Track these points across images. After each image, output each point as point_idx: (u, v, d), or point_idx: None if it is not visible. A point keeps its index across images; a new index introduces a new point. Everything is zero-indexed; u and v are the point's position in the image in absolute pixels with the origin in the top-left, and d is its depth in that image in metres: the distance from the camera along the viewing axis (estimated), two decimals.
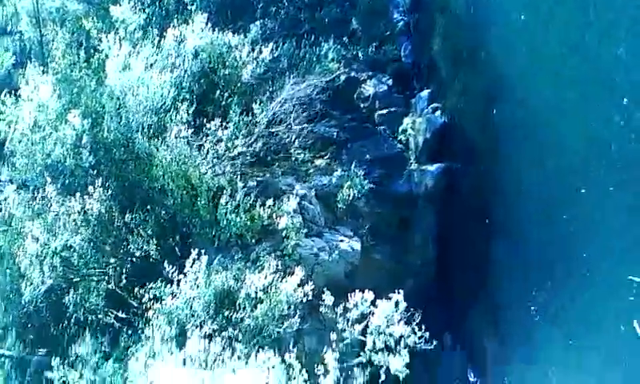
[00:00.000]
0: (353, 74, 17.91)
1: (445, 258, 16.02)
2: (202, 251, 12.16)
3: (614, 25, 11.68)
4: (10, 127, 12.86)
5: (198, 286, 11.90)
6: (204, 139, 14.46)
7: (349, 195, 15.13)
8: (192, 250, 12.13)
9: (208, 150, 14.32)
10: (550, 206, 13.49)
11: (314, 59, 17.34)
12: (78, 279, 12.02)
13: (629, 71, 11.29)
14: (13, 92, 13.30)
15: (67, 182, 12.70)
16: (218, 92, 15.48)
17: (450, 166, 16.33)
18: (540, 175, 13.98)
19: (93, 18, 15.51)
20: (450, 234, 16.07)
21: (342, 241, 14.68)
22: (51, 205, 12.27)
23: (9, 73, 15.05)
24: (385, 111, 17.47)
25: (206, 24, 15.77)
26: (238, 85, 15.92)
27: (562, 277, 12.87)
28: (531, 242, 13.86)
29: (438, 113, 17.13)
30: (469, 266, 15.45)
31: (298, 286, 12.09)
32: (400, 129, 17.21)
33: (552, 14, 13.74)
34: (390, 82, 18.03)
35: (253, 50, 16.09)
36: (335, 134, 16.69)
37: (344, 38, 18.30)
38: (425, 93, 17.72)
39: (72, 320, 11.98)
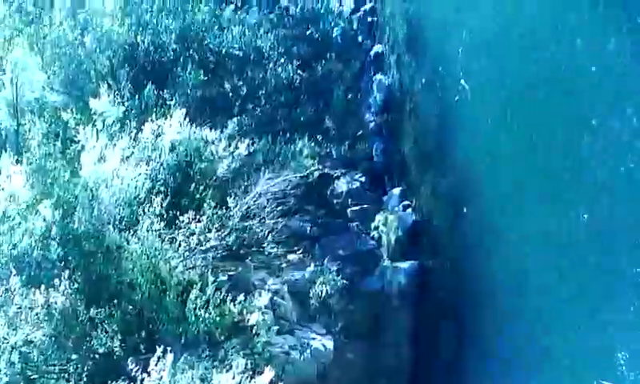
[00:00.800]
0: (326, 170, 18.24)
1: (419, 358, 15.69)
2: (168, 349, 11.63)
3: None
4: None
5: None
6: (176, 232, 14.26)
7: (322, 291, 14.93)
8: (157, 346, 11.62)
9: (180, 243, 14.10)
10: (520, 303, 13.48)
11: (289, 155, 17.67)
12: (37, 376, 11.35)
13: (596, 167, 11.59)
14: None
15: (32, 274, 12.23)
16: (193, 185, 15.43)
17: (422, 264, 16.36)
18: (508, 273, 14.09)
19: (72, 110, 15.61)
20: (423, 333, 15.85)
21: (314, 339, 14.31)
22: (14, 297, 11.75)
23: None
24: (357, 208, 17.67)
25: (184, 119, 15.93)
26: (214, 178, 15.96)
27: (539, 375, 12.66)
28: (505, 341, 13.70)
29: (409, 210, 17.39)
30: (442, 368, 15.13)
31: None
32: (372, 225, 17.31)
33: (519, 119, 14.27)
34: (363, 179, 18.38)
35: (229, 144, 16.30)
36: (309, 228, 16.76)
37: (318, 136, 18.75)
38: (396, 191, 18.08)
39: None
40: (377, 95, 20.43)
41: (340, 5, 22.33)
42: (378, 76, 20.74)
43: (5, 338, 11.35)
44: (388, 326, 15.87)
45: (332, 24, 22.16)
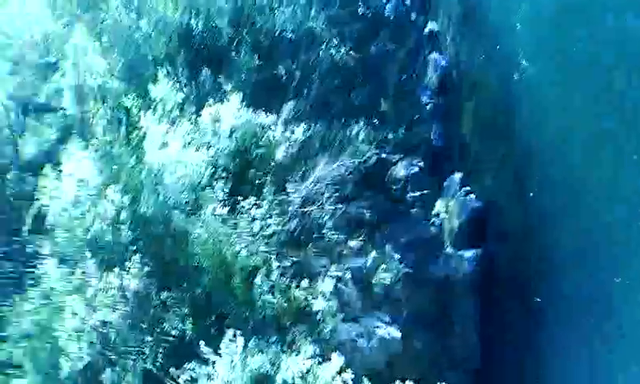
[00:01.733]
0: (384, 155, 18.58)
1: (488, 346, 16.13)
2: (238, 332, 12.48)
3: None
4: (51, 202, 13.46)
5: (233, 368, 12.15)
6: (239, 217, 15.01)
7: (384, 279, 15.48)
8: (227, 330, 12.44)
9: (243, 229, 14.85)
10: (593, 284, 13.82)
11: (345, 140, 18.12)
12: (116, 357, 12.30)
13: None
14: (55, 166, 13.96)
15: (106, 257, 13.16)
16: (253, 170, 16.16)
17: (487, 250, 16.73)
18: (581, 253, 14.43)
19: (133, 96, 16.40)
20: (491, 320, 16.26)
21: (379, 327, 14.89)
22: (90, 280, 12.70)
23: (51, 148, 15.81)
24: (417, 194, 18.08)
25: (241, 103, 16.60)
26: (272, 164, 16.62)
27: (614, 352, 13.02)
28: (578, 323, 14.06)
29: (471, 196, 17.66)
30: (513, 355, 15.54)
31: (337, 373, 12.29)
32: (433, 212, 17.72)
33: (587, 84, 14.48)
34: (422, 164, 18.66)
35: (286, 129, 16.90)
36: (368, 215, 17.17)
37: (374, 120, 19.12)
38: (457, 176, 18.32)
39: None
40: (432, 76, 20.46)
41: None
42: (433, 55, 20.69)
43: (84, 319, 12.32)
44: (454, 314, 16.35)
45: (384, 2, 22.28)
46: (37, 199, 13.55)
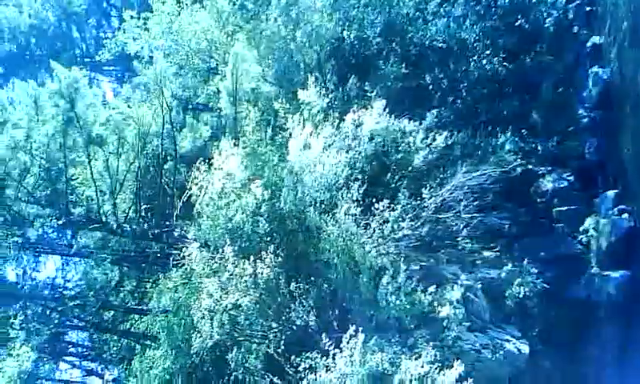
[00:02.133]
0: (530, 166, 17.56)
1: (626, 377, 14.43)
2: (360, 328, 12.38)
3: None
4: (200, 192, 14.46)
5: (352, 363, 12.05)
6: (371, 218, 14.93)
7: (518, 293, 14.54)
8: (350, 325, 12.39)
9: (374, 229, 14.74)
10: None
11: (490, 149, 17.37)
12: (242, 338, 12.83)
13: None
14: (206, 161, 14.99)
15: (243, 245, 13.81)
16: (389, 174, 16.07)
17: (637, 275, 14.99)
18: None
19: (282, 100, 17.14)
20: (634, 353, 14.50)
21: (507, 341, 14.01)
22: (227, 265, 13.39)
23: (205, 144, 17.11)
24: (564, 208, 16.82)
25: (384, 110, 16.57)
26: (409, 169, 16.37)
27: None
28: None
29: (625, 215, 16.06)
30: None
31: (457, 381, 11.71)
32: (581, 229, 16.35)
33: None
34: (572, 178, 17.37)
35: (427, 136, 16.58)
36: (507, 226, 16.34)
37: (523, 131, 18.10)
38: (611, 193, 16.79)
39: (231, 378, 12.72)
40: (592, 89, 19.02)
41: None
42: (595, 68, 19.26)
43: (218, 301, 13.02)
44: (592, 338, 14.87)
45: (544, 14, 21.11)
46: (188, 189, 14.61)
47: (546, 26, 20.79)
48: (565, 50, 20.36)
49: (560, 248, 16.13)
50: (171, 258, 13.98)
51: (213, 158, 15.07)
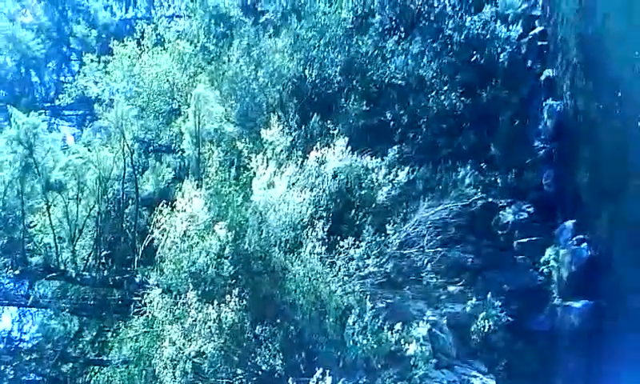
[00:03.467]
0: (490, 199, 17.37)
1: None
2: (327, 371, 11.83)
3: None
4: (163, 235, 13.79)
5: None
6: (336, 257, 14.50)
7: (484, 327, 14.18)
8: (317, 368, 11.84)
9: (340, 268, 14.30)
10: None
11: (450, 183, 17.19)
12: None
13: None
14: (169, 203, 14.36)
15: (207, 289, 13.17)
16: (353, 211, 15.70)
17: (598, 304, 14.79)
18: None
19: (245, 140, 16.67)
20: (599, 380, 14.23)
21: (474, 376, 13.59)
22: (190, 311, 12.71)
23: (167, 186, 16.48)
24: (525, 240, 16.62)
25: (347, 147, 16.25)
26: (373, 205, 16.05)
27: None
28: None
29: (583, 245, 15.89)
30: None
31: None
32: (542, 260, 16.15)
33: None
34: (531, 210, 17.23)
35: (389, 172, 16.32)
36: (470, 260, 16.08)
37: (482, 164, 18.02)
38: (569, 223, 16.63)
39: None
40: (547, 121, 19.04)
41: (507, 30, 21.33)
42: (549, 101, 19.33)
43: (181, 349, 12.29)
44: (557, 369, 14.56)
45: (499, 50, 21.27)
46: (150, 233, 13.94)
47: (501, 60, 20.91)
48: (520, 83, 20.47)
49: (522, 280, 15.85)
50: (132, 306, 13.23)
51: (176, 200, 14.42)
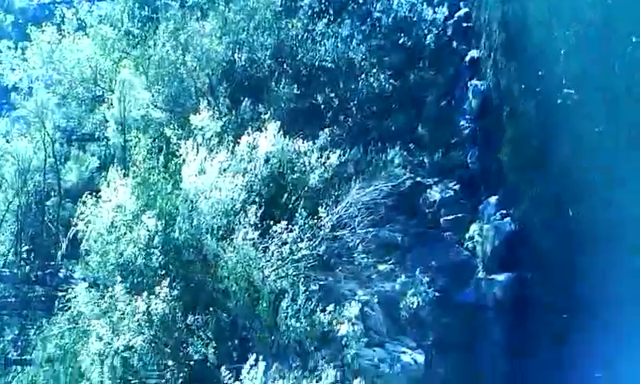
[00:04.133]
0: (418, 179, 17.56)
1: (517, 375, 14.57)
2: (260, 357, 11.62)
3: None
4: (88, 227, 13.11)
5: None
6: (270, 241, 14.23)
7: (412, 303, 14.34)
8: (250, 355, 11.60)
9: (273, 253, 14.03)
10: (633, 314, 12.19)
11: (380, 165, 17.22)
12: (136, 381, 11.66)
13: None
14: (94, 194, 13.66)
15: (136, 281, 12.64)
16: (286, 195, 15.41)
17: (521, 276, 15.22)
18: (617, 287, 12.76)
19: (174, 126, 16.07)
20: (522, 348, 14.69)
21: (404, 352, 13.73)
22: (118, 304, 12.17)
23: (92, 175, 15.70)
24: (451, 217, 16.88)
25: (278, 131, 15.94)
26: (306, 189, 15.82)
27: None
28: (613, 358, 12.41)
29: (506, 220, 16.24)
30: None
31: None
32: (467, 236, 16.47)
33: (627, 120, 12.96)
34: (457, 187, 17.51)
35: (321, 155, 16.10)
36: (399, 239, 16.22)
37: (410, 145, 18.16)
38: (493, 199, 16.95)
39: None
40: (472, 101, 19.34)
41: (433, 12, 21.48)
42: (474, 81, 19.63)
43: (109, 343, 11.76)
44: (483, 340, 14.95)
45: (425, 31, 21.38)
46: (74, 225, 13.22)
47: (427, 42, 21.08)
48: (445, 64, 20.72)
49: (449, 256, 16.12)
50: (56, 302, 12.55)
51: (101, 190, 13.72)
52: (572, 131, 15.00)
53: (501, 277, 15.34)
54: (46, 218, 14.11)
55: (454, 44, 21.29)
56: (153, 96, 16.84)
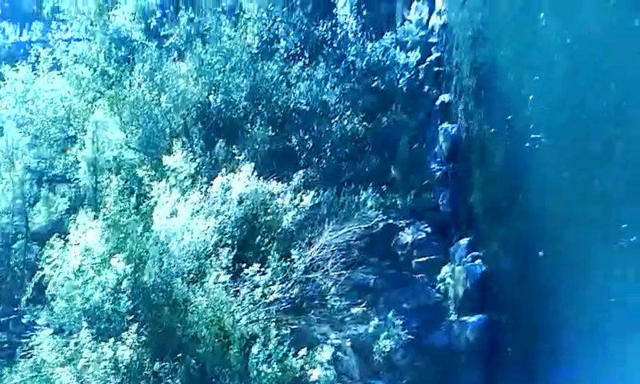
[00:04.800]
0: (391, 221, 17.51)
1: None
2: None
3: None
4: (54, 271, 12.64)
5: None
6: (241, 285, 13.91)
7: (386, 346, 14.08)
8: None
9: (244, 296, 13.71)
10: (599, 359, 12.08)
11: (354, 207, 17.07)
12: None
13: None
14: (62, 236, 13.23)
15: (103, 327, 12.16)
16: (259, 238, 15.17)
17: (492, 318, 15.13)
18: (586, 329, 12.69)
19: (146, 167, 15.79)
20: None
21: None
22: (83, 351, 11.66)
23: (61, 218, 15.25)
24: (423, 259, 16.85)
25: (252, 173, 15.75)
26: (279, 231, 15.61)
27: None
28: None
29: (478, 262, 16.23)
30: None
31: None
32: (439, 277, 16.40)
33: (596, 166, 13.04)
34: (429, 229, 17.52)
35: (295, 197, 15.95)
36: (372, 281, 16.10)
37: (383, 187, 18.06)
38: (464, 241, 16.97)
39: None
40: (443, 144, 19.51)
41: (406, 56, 21.79)
42: (445, 125, 19.82)
43: None
44: (457, 382, 14.71)
45: (398, 75, 21.64)
46: (40, 269, 12.74)
47: (400, 86, 21.30)
48: (417, 108, 20.92)
49: (421, 298, 16.00)
50: (19, 349, 11.97)
51: (70, 233, 13.29)
52: (540, 175, 15.12)
53: (472, 319, 15.26)
54: (11, 262, 13.59)
55: (426, 88, 21.58)
56: (126, 137, 16.54)
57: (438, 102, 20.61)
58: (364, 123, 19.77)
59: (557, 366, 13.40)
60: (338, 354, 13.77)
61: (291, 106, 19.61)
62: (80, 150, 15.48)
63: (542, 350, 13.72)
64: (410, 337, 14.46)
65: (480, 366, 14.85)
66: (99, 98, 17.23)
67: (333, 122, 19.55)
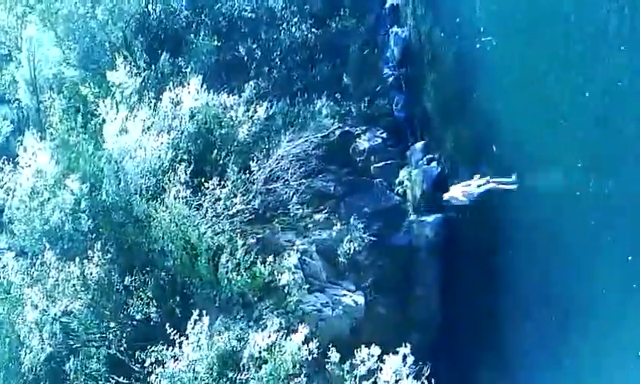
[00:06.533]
0: (347, 128, 18.19)
1: (450, 309, 15.95)
2: (204, 312, 12.07)
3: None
4: (8, 194, 12.87)
5: (200, 348, 11.74)
6: (202, 199, 14.52)
7: (349, 249, 15.20)
8: (193, 311, 12.02)
9: (207, 210, 14.37)
10: (552, 248, 13.59)
11: (309, 116, 17.70)
12: (79, 345, 11.84)
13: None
14: (11, 160, 13.35)
15: (66, 247, 12.64)
16: (215, 152, 15.63)
17: (449, 217, 16.42)
18: (536, 221, 14.14)
19: (90, 84, 15.75)
20: (453, 285, 16.05)
21: (344, 295, 14.68)
22: (50, 271, 12.17)
23: (7, 141, 15.21)
24: (380, 164, 17.71)
25: (201, 86, 15.98)
26: (235, 144, 16.10)
27: (567, 319, 12.89)
28: (535, 288, 13.89)
29: (433, 164, 17.33)
30: (474, 316, 15.37)
31: (303, 343, 11.95)
32: (397, 181, 17.41)
33: (542, 62, 14.09)
34: (384, 135, 18.27)
35: (248, 109, 16.39)
36: (332, 188, 16.92)
37: (337, 95, 18.63)
38: (419, 144, 17.99)
39: None
40: (394, 49, 19.96)
41: None
42: (395, 29, 20.20)
43: (45, 311, 11.81)
44: (417, 279, 16.14)
45: None
46: None
47: None
48: (366, 12, 21.06)
49: (381, 201, 17.04)
50: None
51: (18, 155, 13.42)
52: (490, 76, 16.07)
53: (430, 218, 16.49)
54: None
55: None
56: (64, 53, 16.32)
57: (386, 5, 20.79)
58: (313, 30, 19.96)
59: (512, 255, 14.98)
60: (304, 258, 14.76)
61: (235, 13, 19.58)
62: (17, 69, 15.24)
63: (497, 243, 15.20)
64: (372, 238, 15.60)
65: (440, 261, 16.27)
66: (29, 12, 16.72)
67: (281, 29, 19.69)
